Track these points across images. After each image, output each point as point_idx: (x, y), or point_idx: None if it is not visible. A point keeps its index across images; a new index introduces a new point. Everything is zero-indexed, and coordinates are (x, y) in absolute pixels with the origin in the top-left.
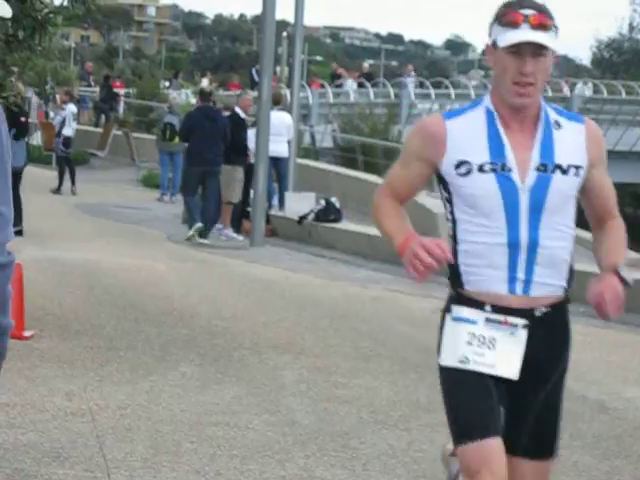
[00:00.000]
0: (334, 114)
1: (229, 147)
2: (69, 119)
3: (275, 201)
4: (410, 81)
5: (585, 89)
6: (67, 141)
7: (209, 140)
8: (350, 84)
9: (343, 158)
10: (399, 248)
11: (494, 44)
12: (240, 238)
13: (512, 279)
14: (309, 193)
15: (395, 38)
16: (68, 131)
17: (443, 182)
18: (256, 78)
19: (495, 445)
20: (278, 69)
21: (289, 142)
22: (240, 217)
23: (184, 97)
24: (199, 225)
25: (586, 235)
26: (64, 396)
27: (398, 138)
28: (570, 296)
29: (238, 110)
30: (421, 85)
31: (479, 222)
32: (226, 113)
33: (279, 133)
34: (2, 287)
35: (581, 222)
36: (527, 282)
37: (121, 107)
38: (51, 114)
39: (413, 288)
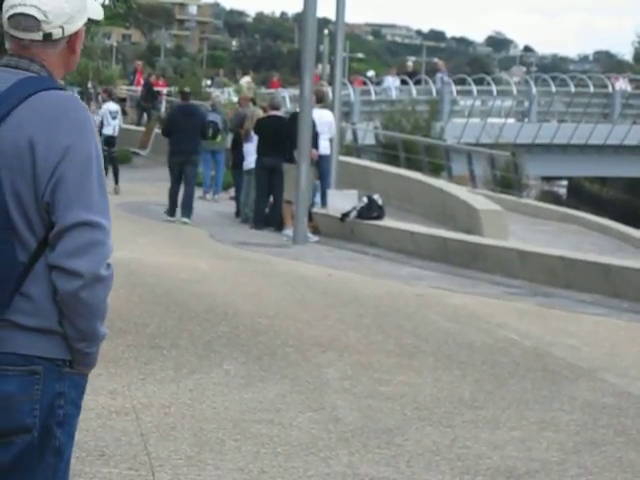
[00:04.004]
0: (376, 111)
1: (292, 146)
2: (106, 118)
3: (317, 198)
4: (439, 77)
5: (623, 84)
6: (108, 140)
7: (186, 134)
8: (392, 81)
9: (385, 155)
10: None
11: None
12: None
13: None
14: (351, 190)
15: (437, 35)
16: (108, 130)
17: None
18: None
19: None
20: (320, 67)
21: (331, 140)
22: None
23: (226, 95)
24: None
25: (632, 232)
26: (108, 395)
27: (440, 135)
28: None
29: None
30: (463, 82)
31: None
32: (274, 112)
33: (321, 131)
34: (103, 298)
35: (627, 219)
36: None
37: (163, 106)
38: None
39: (456, 285)
